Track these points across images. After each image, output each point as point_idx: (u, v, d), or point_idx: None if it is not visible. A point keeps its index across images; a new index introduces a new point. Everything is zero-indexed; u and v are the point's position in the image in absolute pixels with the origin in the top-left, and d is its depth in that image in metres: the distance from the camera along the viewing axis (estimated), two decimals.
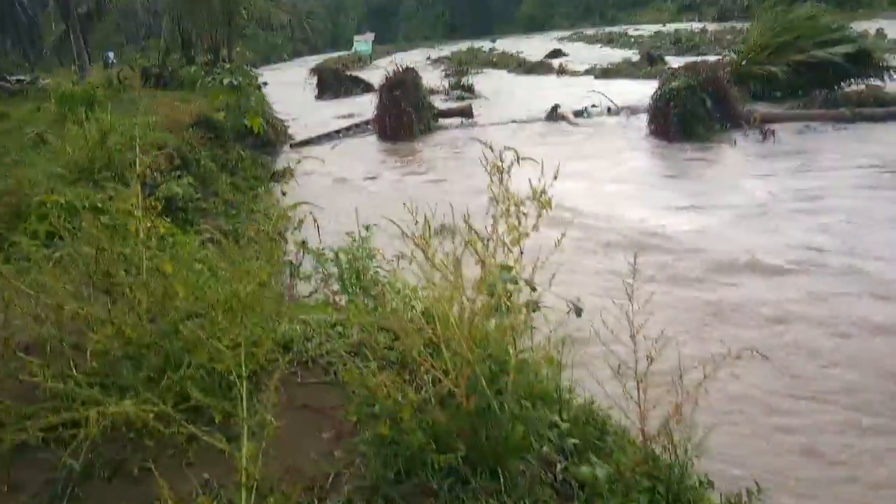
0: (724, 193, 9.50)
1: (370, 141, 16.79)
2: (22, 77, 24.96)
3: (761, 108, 13.97)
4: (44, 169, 8.31)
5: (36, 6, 45.78)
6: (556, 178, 2.44)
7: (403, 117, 16.23)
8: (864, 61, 14.62)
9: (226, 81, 13.00)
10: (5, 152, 9.91)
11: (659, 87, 13.71)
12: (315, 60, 51.69)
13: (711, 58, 26.99)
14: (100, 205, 5.38)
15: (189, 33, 20.56)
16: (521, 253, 2.37)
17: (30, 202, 5.35)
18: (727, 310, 5.72)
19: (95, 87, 12.50)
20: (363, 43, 54.49)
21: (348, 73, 31.22)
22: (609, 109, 16.76)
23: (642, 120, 15.24)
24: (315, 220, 4.88)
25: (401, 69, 17.19)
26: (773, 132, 12.48)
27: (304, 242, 4.12)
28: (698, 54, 30.38)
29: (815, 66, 14.87)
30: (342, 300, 4.14)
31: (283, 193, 11.18)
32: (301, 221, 4.64)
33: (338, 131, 17.60)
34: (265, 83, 16.47)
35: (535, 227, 2.42)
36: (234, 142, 13.57)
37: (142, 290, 2.80)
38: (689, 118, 13.03)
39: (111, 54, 35.41)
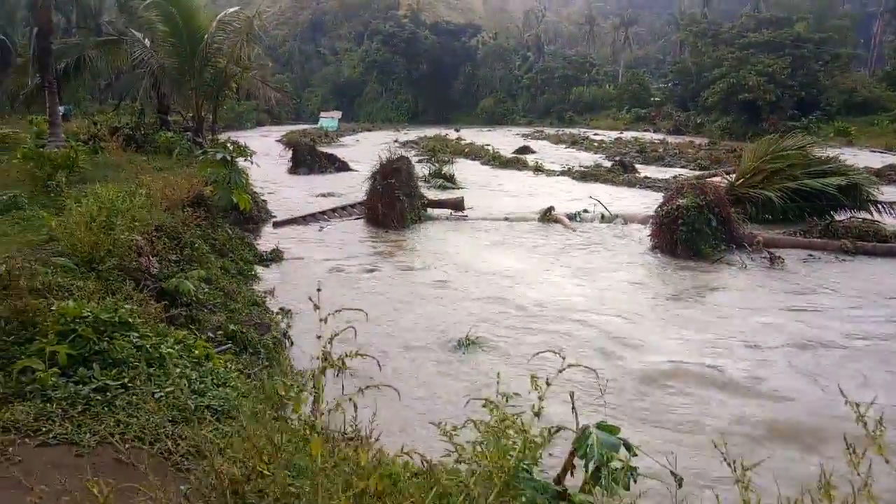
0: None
1: (359, 226, 15.99)
2: None
3: (758, 232, 13.98)
4: (18, 243, 7.13)
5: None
6: None
7: (396, 205, 15.58)
8: (853, 194, 15.02)
9: (219, 156, 12.07)
10: None
11: (665, 203, 13.58)
12: (278, 131, 51.20)
13: (681, 171, 28.19)
14: (130, 320, 4.34)
15: (168, 98, 19.63)
16: None
17: (37, 307, 4.23)
18: None
19: (76, 149, 11.34)
20: (330, 119, 54.61)
21: (320, 148, 30.81)
22: (602, 216, 16.61)
23: (639, 230, 15.08)
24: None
25: (394, 156, 16.70)
26: (780, 259, 12.41)
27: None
28: (664, 165, 31.53)
29: (807, 195, 15.21)
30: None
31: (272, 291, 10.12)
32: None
33: (323, 212, 16.75)
34: (252, 158, 15.59)
35: None
36: (221, 219, 12.56)
37: None
38: (695, 237, 12.88)
39: (62, 108, 33.71)
